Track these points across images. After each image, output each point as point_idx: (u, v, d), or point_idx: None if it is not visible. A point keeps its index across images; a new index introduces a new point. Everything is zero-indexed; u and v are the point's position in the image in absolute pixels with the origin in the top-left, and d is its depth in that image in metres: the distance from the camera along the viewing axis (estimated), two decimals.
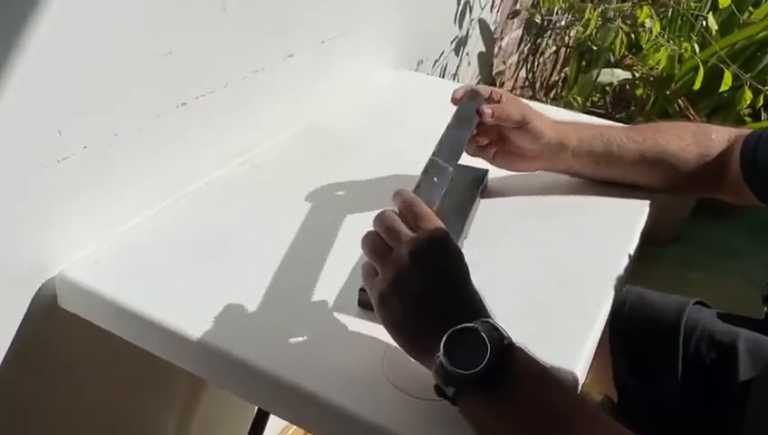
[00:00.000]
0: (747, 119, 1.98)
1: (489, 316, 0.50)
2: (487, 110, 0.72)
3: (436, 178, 0.62)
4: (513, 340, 0.48)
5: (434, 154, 0.66)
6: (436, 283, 0.51)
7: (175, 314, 0.59)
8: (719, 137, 0.77)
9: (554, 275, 0.67)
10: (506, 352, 0.47)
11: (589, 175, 0.80)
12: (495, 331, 0.47)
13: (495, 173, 0.81)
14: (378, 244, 0.54)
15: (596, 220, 0.76)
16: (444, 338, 0.47)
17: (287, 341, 0.58)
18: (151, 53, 0.66)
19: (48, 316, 0.64)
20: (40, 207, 0.60)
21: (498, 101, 0.75)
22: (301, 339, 0.58)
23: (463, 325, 0.47)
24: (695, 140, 0.77)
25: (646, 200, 0.80)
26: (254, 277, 0.64)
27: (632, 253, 0.72)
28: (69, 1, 0.56)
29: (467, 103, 0.74)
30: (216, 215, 0.73)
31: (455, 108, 0.75)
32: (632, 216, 0.77)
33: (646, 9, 1.33)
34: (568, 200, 0.79)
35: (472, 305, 0.51)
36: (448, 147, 0.68)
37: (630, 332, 0.84)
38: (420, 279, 0.51)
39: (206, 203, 0.75)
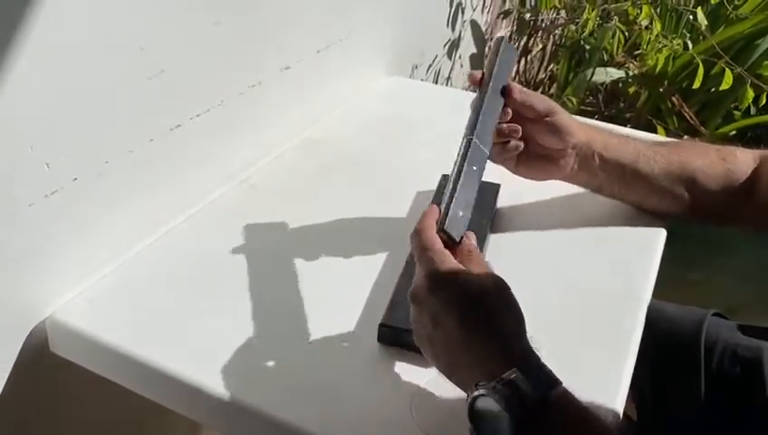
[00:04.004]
0: (736, 113, 1.97)
1: (523, 355, 0.45)
2: (516, 86, 0.65)
3: (475, 167, 0.56)
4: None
5: (472, 133, 0.58)
6: (455, 328, 0.46)
7: (178, 358, 0.54)
8: (744, 155, 0.73)
9: (579, 304, 0.63)
10: (535, 412, 0.42)
11: (614, 190, 0.74)
12: (515, 393, 0.42)
13: (501, 202, 0.76)
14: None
15: (612, 249, 0.72)
16: (467, 412, 0.43)
17: (302, 386, 0.53)
18: (142, 72, 0.61)
19: (40, 363, 0.59)
20: (28, 247, 0.55)
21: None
22: (317, 384, 0.53)
23: (477, 394, 0.43)
24: (719, 156, 0.73)
25: (661, 228, 0.74)
26: (261, 315, 0.59)
27: (653, 279, 0.69)
28: (52, 22, 0.51)
29: (503, 57, 0.65)
30: (215, 244, 0.68)
31: (451, 115, 0.69)
32: (648, 243, 0.72)
33: (645, 8, 1.30)
34: (581, 227, 0.74)
35: (492, 358, 0.45)
36: (483, 122, 0.60)
37: (648, 347, 0.81)
38: (435, 324, 0.47)
39: (205, 230, 0.70)
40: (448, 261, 0.49)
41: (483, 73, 0.66)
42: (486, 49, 1.62)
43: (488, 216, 0.72)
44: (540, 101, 0.68)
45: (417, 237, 0.51)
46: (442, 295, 0.47)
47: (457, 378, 0.47)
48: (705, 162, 0.72)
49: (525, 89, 0.68)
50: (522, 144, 0.69)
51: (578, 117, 0.74)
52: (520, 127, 0.68)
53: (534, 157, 0.71)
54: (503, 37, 0.68)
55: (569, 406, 0.44)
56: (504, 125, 0.67)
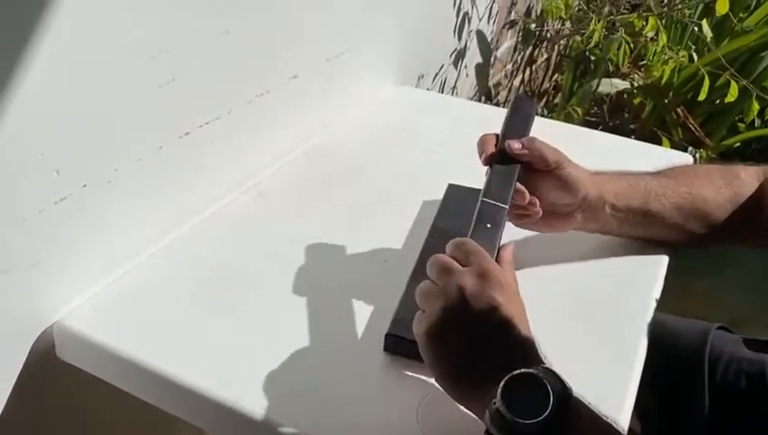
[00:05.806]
0: (741, 125, 1.98)
1: (545, 362, 0.47)
2: (515, 144, 0.64)
3: (489, 225, 0.57)
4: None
5: (483, 195, 0.60)
6: (491, 320, 0.48)
7: (184, 366, 0.54)
8: (747, 175, 0.72)
9: (582, 326, 0.63)
10: (568, 403, 0.44)
11: (623, 232, 0.72)
12: (558, 379, 0.44)
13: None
14: (428, 286, 0.51)
15: (613, 275, 0.71)
16: (502, 384, 0.44)
17: (308, 395, 0.53)
18: (153, 81, 0.61)
19: (46, 369, 0.59)
20: (37, 253, 0.55)
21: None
22: (322, 393, 0.54)
23: (523, 371, 0.44)
24: (725, 181, 0.71)
25: (663, 255, 0.73)
26: (268, 323, 0.60)
27: (654, 304, 0.68)
28: (64, 30, 0.51)
29: (519, 112, 0.67)
30: (223, 251, 0.69)
31: (456, 125, 0.68)
32: (650, 270, 0.71)
33: (651, 20, 1.31)
34: (583, 254, 0.73)
35: (529, 349, 0.48)
36: (497, 182, 0.61)
37: (652, 360, 0.81)
38: (473, 315, 0.47)
39: (213, 237, 0.71)
40: (495, 265, 0.51)
41: (497, 138, 0.66)
42: (492, 59, 1.63)
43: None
44: (550, 151, 0.65)
45: (466, 244, 0.52)
46: (496, 291, 0.49)
47: (476, 370, 0.47)
48: (714, 189, 0.71)
49: (535, 138, 0.66)
50: (540, 211, 0.66)
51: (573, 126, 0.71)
52: (537, 200, 0.65)
53: (545, 214, 0.67)
54: (522, 94, 0.68)
55: (588, 413, 0.45)
56: (527, 197, 0.64)
